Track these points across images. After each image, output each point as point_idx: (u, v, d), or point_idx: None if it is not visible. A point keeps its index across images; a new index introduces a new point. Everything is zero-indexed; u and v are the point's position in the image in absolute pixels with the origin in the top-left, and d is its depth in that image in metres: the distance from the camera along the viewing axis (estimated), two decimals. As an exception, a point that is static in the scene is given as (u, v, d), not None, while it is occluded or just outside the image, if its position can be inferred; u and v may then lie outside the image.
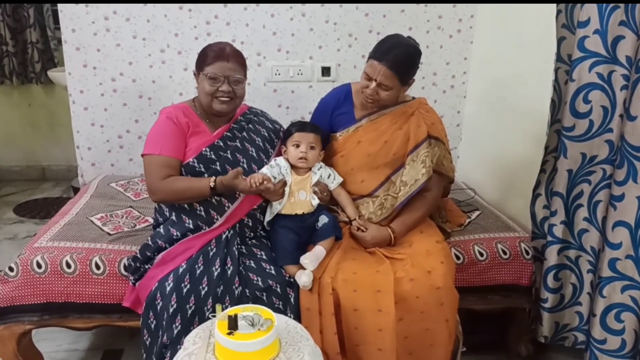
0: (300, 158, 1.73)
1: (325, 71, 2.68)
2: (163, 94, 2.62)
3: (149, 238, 1.70)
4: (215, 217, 1.69)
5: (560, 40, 1.76)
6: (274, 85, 2.69)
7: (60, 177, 3.96)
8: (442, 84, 2.80)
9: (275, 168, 1.73)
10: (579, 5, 1.65)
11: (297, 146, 1.74)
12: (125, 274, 1.74)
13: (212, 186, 1.60)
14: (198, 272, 1.59)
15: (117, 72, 2.57)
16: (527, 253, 1.96)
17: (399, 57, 1.65)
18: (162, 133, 1.70)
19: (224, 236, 1.67)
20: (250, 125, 1.85)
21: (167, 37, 2.55)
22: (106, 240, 1.88)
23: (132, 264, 1.69)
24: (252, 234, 1.77)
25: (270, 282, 1.62)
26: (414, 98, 1.88)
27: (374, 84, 1.68)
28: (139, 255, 1.68)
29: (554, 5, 1.73)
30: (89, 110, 2.61)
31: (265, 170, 1.71)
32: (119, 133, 2.66)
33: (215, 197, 1.68)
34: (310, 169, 1.79)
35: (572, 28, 1.71)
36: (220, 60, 1.68)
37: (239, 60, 1.73)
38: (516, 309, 2.02)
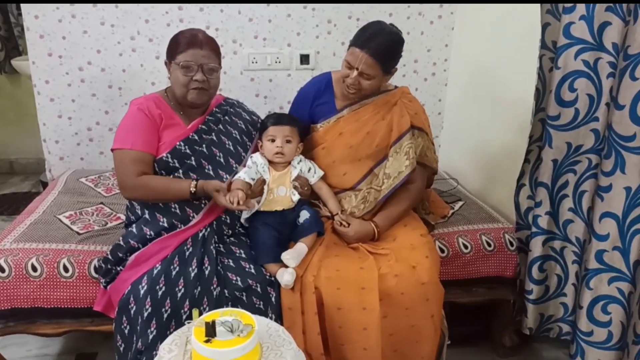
0: (277, 153, 1.65)
1: (304, 59, 2.60)
2: (134, 83, 2.51)
3: (121, 238, 1.61)
4: (191, 214, 1.61)
5: (544, 27, 1.72)
6: (251, 73, 2.60)
7: (29, 170, 3.79)
8: (423, 71, 2.74)
9: (253, 168, 1.65)
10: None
11: (273, 140, 1.66)
12: (96, 276, 1.65)
13: (192, 192, 1.53)
14: (174, 273, 1.51)
15: (85, 60, 2.44)
16: (512, 244, 1.93)
17: (381, 45, 1.58)
18: (133, 126, 1.61)
19: (200, 234, 1.60)
20: (226, 117, 1.76)
21: (137, 24, 2.42)
22: (75, 240, 1.78)
23: (103, 265, 1.60)
24: (230, 232, 1.69)
25: (250, 281, 1.55)
26: (396, 87, 1.81)
27: (355, 73, 1.61)
28: (109, 257, 1.59)
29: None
30: (56, 101, 2.48)
31: (242, 174, 1.62)
32: (88, 125, 2.54)
33: (191, 194, 1.60)
34: (289, 163, 1.71)
35: (557, 14, 1.67)
36: (193, 47, 1.58)
37: (213, 47, 1.64)
38: (501, 301, 1.99)
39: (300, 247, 1.60)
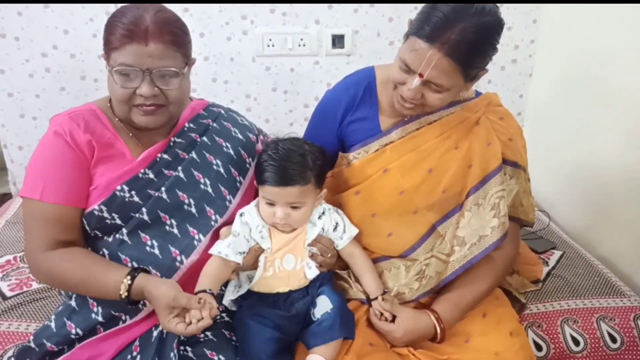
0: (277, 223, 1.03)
1: (338, 41, 1.97)
2: (113, 74, 1.92)
3: (32, 337, 1.02)
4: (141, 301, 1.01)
5: None
6: (266, 60, 1.97)
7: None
8: (501, 57, 2.03)
9: (241, 234, 1.03)
10: None
11: (271, 205, 1.03)
12: (7, 381, 1.09)
13: (122, 295, 0.93)
14: (108, 401, 0.93)
15: (49, 44, 1.89)
16: (650, 338, 1.25)
17: (465, 37, 0.90)
18: (46, 162, 1.01)
19: (155, 333, 1.00)
20: (204, 139, 1.13)
21: (114, -6, 1.83)
22: (-7, 312, 1.23)
23: (10, 373, 1.04)
24: (205, 323, 1.08)
25: (233, 412, 0.95)
26: (478, 93, 1.13)
27: (417, 81, 0.94)
28: (14, 365, 1.02)
29: None
30: (15, 97, 1.94)
31: (222, 246, 0.99)
32: (58, 127, 1.98)
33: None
34: (303, 217, 1.08)
35: None
36: (133, 40, 0.94)
37: (169, 37, 0.96)
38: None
39: (314, 365, 0.97)
